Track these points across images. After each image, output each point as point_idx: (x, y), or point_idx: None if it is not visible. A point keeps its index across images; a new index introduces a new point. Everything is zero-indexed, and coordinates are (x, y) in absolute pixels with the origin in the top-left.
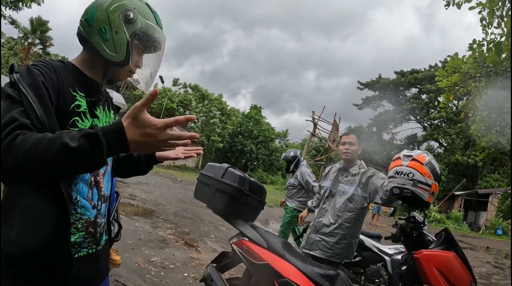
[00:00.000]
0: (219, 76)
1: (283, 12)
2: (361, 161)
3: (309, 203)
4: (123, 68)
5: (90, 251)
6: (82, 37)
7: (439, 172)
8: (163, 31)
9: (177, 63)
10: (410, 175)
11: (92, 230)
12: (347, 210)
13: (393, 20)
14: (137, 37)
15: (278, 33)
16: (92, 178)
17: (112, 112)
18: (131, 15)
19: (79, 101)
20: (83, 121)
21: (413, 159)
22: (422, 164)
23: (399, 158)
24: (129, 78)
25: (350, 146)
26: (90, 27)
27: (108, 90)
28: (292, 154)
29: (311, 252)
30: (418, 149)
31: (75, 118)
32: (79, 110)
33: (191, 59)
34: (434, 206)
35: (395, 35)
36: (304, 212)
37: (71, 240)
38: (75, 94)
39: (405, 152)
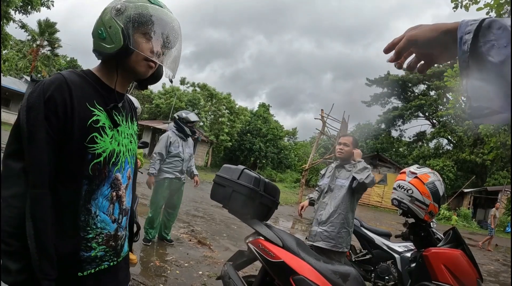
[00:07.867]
0: (239, 79)
1: (309, 20)
2: (361, 160)
3: (311, 195)
4: (133, 58)
5: (112, 263)
6: (94, 51)
7: (441, 194)
8: (162, 8)
9: (199, 67)
10: (410, 192)
11: (113, 243)
12: (345, 201)
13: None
14: (133, 22)
15: (301, 39)
16: (114, 193)
17: (135, 123)
18: (119, 6)
19: (97, 115)
20: (102, 136)
21: (416, 177)
22: (424, 183)
23: (404, 172)
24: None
25: (345, 146)
26: (94, 39)
27: None
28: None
29: (314, 244)
30: (428, 146)
31: (94, 134)
32: (97, 126)
33: (212, 63)
34: (443, 203)
35: None
36: (306, 202)
37: (92, 255)
38: (92, 109)
39: (413, 168)
